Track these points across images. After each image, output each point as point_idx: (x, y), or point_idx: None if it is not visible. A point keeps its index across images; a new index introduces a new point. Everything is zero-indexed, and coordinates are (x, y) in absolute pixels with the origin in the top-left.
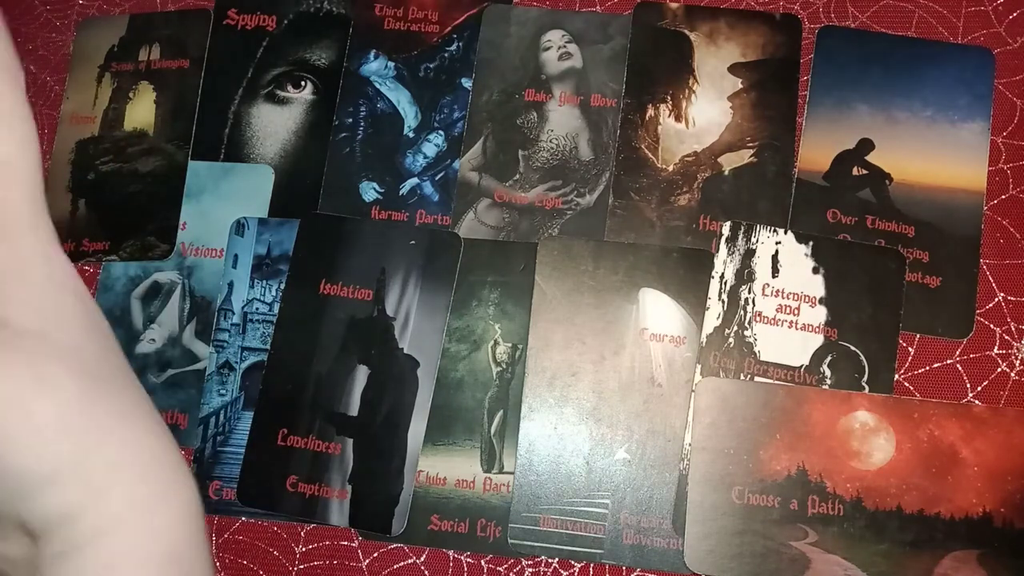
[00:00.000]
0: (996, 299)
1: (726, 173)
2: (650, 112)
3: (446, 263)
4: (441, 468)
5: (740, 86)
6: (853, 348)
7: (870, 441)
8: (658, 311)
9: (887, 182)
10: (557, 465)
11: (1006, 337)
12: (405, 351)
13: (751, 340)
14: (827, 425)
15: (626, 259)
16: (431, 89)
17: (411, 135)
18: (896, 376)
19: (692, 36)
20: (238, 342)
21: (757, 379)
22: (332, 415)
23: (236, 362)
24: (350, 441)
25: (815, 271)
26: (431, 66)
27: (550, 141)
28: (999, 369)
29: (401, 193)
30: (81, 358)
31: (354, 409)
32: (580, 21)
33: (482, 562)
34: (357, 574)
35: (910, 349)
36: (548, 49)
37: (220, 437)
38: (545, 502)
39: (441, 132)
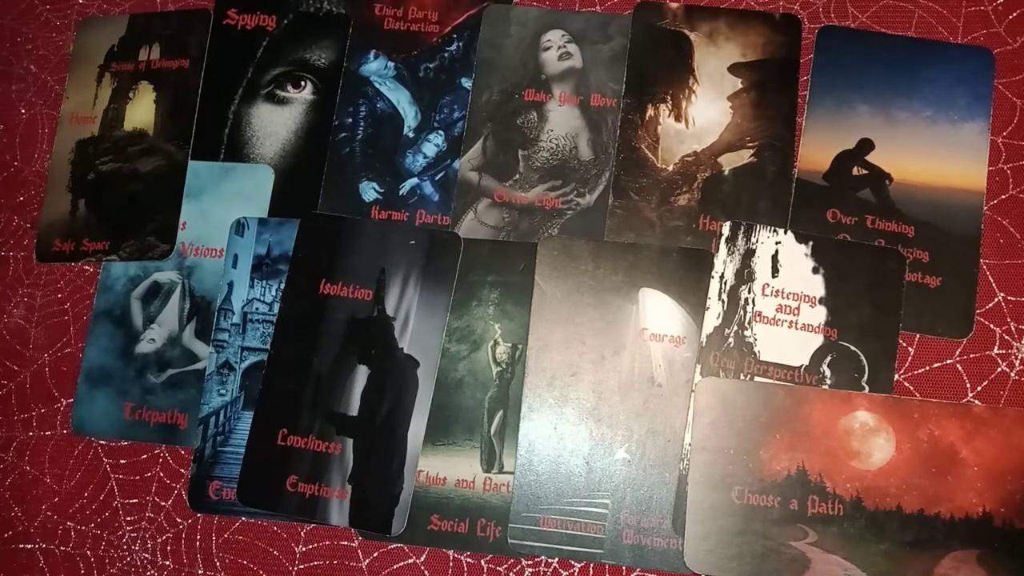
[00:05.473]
0: (996, 299)
1: (726, 173)
2: (650, 112)
3: (446, 263)
4: (441, 468)
5: (740, 86)
6: (853, 348)
7: (870, 441)
8: (658, 311)
9: (887, 182)
10: (557, 465)
11: (1006, 337)
12: (405, 351)
13: (751, 340)
14: (827, 425)
15: (626, 259)
16: (431, 89)
17: (411, 135)
18: (896, 376)
19: (692, 36)
20: (238, 342)
21: (757, 379)
22: (332, 415)
23: (236, 362)
24: (350, 441)
25: (815, 271)
26: (431, 66)
27: (550, 141)
28: (999, 369)
29: (401, 193)
30: None
31: (354, 409)
32: (580, 21)
33: (482, 562)
34: (357, 574)
35: (910, 349)
36: (548, 49)
37: (220, 437)
38: (545, 502)
39: (441, 132)
